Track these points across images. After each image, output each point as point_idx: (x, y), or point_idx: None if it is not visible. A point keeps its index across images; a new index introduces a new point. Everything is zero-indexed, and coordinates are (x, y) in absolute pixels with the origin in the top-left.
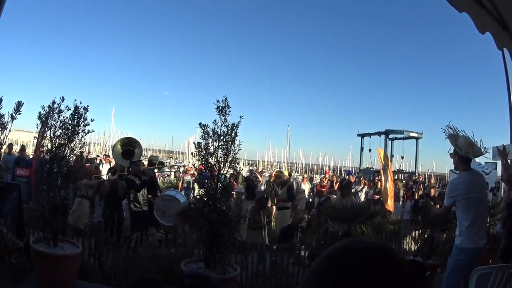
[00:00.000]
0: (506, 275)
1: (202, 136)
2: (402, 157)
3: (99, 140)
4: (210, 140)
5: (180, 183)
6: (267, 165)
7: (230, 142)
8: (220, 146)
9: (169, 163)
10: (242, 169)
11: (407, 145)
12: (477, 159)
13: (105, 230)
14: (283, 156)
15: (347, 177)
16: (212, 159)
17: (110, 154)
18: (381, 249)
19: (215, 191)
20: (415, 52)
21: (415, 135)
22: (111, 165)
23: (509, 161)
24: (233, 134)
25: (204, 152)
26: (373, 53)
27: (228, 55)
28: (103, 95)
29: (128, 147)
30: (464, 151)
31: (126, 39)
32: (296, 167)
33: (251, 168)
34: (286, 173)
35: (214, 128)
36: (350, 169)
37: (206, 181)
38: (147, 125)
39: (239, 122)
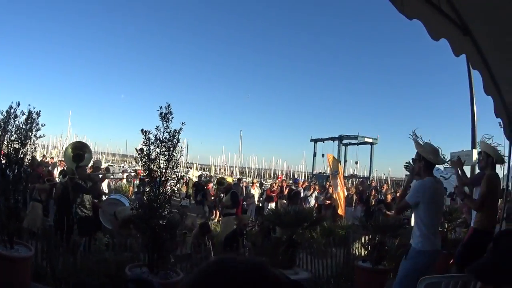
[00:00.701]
0: (454, 284)
1: (144, 142)
2: (356, 162)
3: (57, 143)
4: (152, 147)
5: (131, 188)
6: (220, 169)
7: (172, 148)
8: (162, 152)
9: (123, 167)
10: (188, 173)
11: (363, 150)
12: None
13: (56, 233)
14: (235, 160)
15: (294, 185)
16: (154, 165)
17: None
18: (254, 266)
19: (157, 197)
20: (370, 60)
21: (370, 140)
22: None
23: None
24: (174, 140)
25: (146, 158)
26: (327, 61)
27: (183, 60)
28: (60, 97)
29: (79, 151)
30: (432, 158)
31: (84, 43)
32: (248, 172)
33: (203, 172)
34: (229, 179)
35: (157, 134)
36: (303, 174)
37: (146, 187)
38: (103, 128)
39: (180, 129)
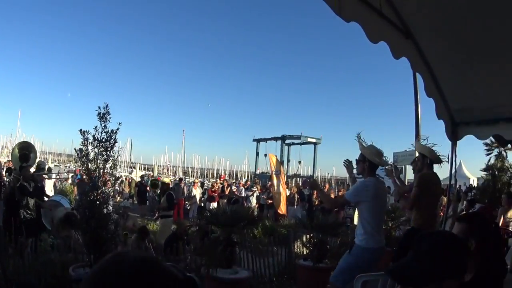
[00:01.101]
0: (391, 282)
1: (82, 142)
2: (300, 162)
3: (7, 143)
4: (90, 147)
5: (75, 188)
6: (163, 169)
7: (110, 148)
8: (100, 152)
9: (69, 167)
10: (132, 173)
11: (307, 150)
12: None
13: (4, 234)
14: (178, 160)
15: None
16: (92, 165)
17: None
18: (144, 259)
19: (96, 197)
20: (314, 59)
21: (313, 140)
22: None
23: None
24: (112, 140)
25: (84, 158)
26: (271, 60)
27: (127, 58)
28: (11, 96)
29: (25, 151)
30: (377, 160)
31: (32, 39)
32: (191, 172)
33: (147, 172)
34: (166, 180)
35: (95, 135)
36: (246, 174)
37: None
38: (51, 128)
39: (117, 129)
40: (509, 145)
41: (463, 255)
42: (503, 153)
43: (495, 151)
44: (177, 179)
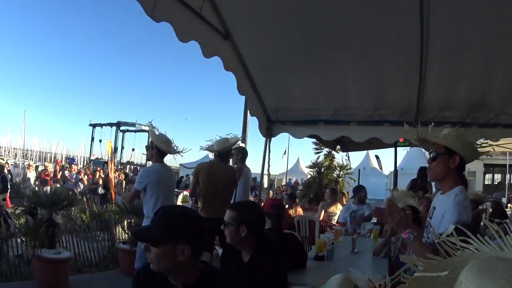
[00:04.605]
0: None
1: None
2: (133, 149)
3: None
4: None
5: None
6: (4, 151)
7: None
8: None
9: None
10: None
11: (141, 138)
12: None
13: None
14: (19, 142)
15: (68, 165)
16: None
17: None
18: None
19: None
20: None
21: (147, 128)
22: None
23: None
24: None
25: None
26: (105, 44)
27: None
28: None
29: None
30: (164, 147)
31: None
32: (31, 155)
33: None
34: (2, 161)
35: None
36: (83, 159)
37: None
38: None
39: None
40: (338, 146)
41: (192, 227)
42: (333, 152)
43: (325, 150)
44: (17, 162)
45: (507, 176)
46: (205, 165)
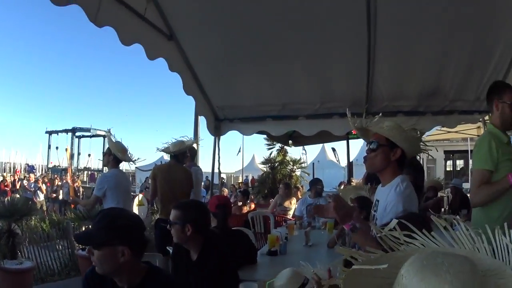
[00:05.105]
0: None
1: None
2: (89, 155)
3: None
4: None
5: None
6: None
7: None
8: None
9: None
10: None
11: (97, 143)
12: None
13: None
14: None
15: (27, 174)
16: None
17: None
18: None
19: None
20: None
21: (103, 133)
22: None
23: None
24: None
25: None
26: (61, 51)
27: None
28: None
29: None
30: (120, 156)
31: None
32: None
33: None
34: None
35: None
36: (41, 167)
37: None
38: None
39: None
40: (290, 141)
41: (131, 228)
42: (287, 147)
43: (277, 146)
44: None
45: (470, 161)
46: (162, 168)
